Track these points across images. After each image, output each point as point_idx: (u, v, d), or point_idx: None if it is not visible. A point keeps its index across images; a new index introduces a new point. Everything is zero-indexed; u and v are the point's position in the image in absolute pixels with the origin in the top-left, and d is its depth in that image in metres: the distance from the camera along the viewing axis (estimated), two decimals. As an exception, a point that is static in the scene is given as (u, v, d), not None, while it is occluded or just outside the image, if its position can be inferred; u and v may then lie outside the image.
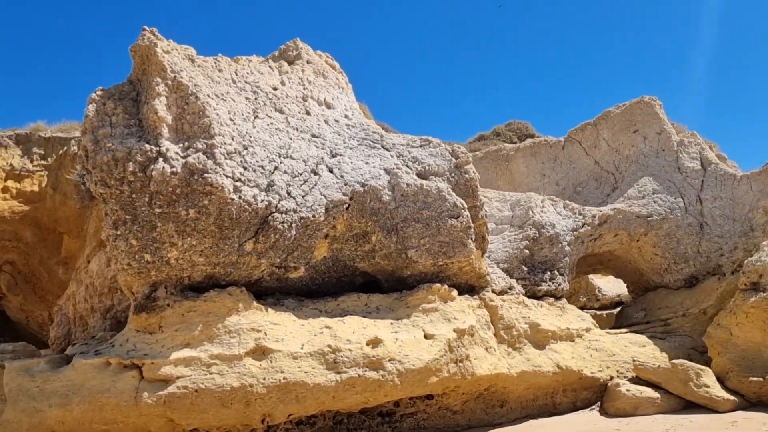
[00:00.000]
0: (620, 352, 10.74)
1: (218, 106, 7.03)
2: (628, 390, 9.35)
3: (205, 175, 6.60)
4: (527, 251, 10.98)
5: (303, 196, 7.61)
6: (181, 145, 6.75)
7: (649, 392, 9.33)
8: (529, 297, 10.92)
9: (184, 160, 6.60)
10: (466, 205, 8.53)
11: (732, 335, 9.75)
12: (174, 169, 6.49)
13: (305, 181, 7.75)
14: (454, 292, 8.55)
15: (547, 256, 11.28)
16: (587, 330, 10.90)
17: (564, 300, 11.43)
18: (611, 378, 10.17)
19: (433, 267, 8.56)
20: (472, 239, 8.58)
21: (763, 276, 9.71)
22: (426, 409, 8.71)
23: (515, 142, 19.02)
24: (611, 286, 16.48)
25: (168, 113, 6.74)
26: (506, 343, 9.29)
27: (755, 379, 8.89)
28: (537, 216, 11.29)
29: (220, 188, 6.60)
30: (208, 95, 6.91)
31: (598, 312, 15.96)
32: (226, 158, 6.77)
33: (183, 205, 6.58)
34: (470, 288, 9.47)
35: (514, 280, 10.76)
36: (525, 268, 10.95)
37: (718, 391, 8.92)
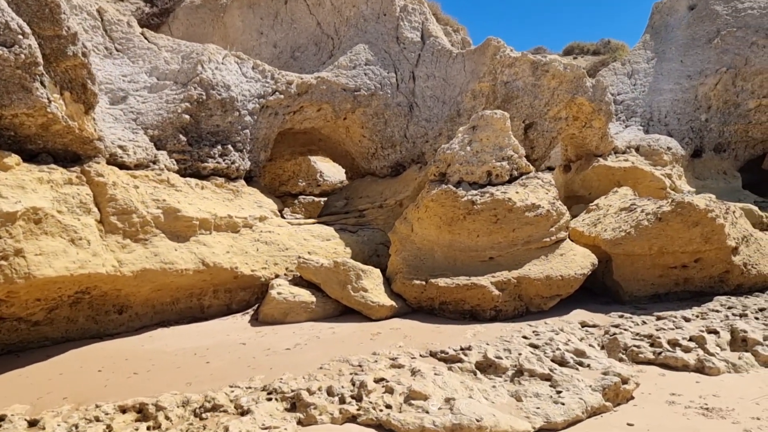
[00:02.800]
0: (296, 247, 9.07)
1: None
2: (279, 293, 7.69)
3: None
4: (188, 116, 8.51)
5: None
6: None
7: (305, 296, 7.77)
8: (189, 175, 8.62)
9: None
10: (29, 31, 5.64)
11: (413, 231, 8.50)
12: None
13: None
14: (11, 159, 5.82)
15: (218, 125, 8.95)
16: (262, 219, 9.00)
17: (241, 181, 9.33)
18: (277, 277, 8.49)
19: (-17, 119, 5.70)
20: (42, 83, 5.81)
21: (451, 166, 8.44)
22: (-23, 322, 6.17)
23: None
24: (336, 171, 14.94)
25: None
26: (121, 233, 6.94)
27: (418, 282, 7.71)
28: (207, 73, 8.78)
29: None
30: None
31: (317, 198, 14.42)
32: None
33: None
34: (75, 157, 6.84)
35: (166, 153, 8.32)
36: (183, 138, 8.52)
37: (375, 296, 7.62)
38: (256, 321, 7.83)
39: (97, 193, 6.74)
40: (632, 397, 5.17)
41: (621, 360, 6.13)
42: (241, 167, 9.24)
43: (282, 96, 9.71)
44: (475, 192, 7.95)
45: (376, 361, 5.73)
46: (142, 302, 7.51)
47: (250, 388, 5.14)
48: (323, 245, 9.40)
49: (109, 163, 7.36)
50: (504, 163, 8.23)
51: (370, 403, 4.69)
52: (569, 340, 6.23)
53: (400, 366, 5.56)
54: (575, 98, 10.43)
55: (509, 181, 8.29)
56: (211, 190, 8.74)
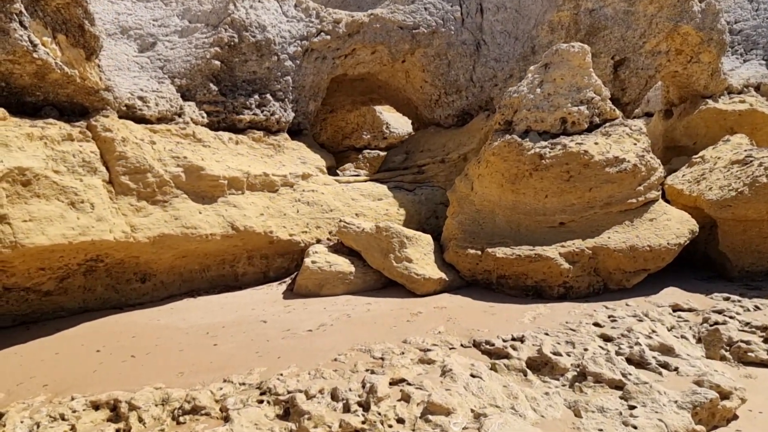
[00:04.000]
0: (342, 208, 8.12)
1: None
2: (314, 262, 6.79)
3: None
4: (218, 62, 7.63)
5: None
6: None
7: (343, 265, 6.83)
8: (222, 129, 7.81)
9: None
10: (-1, -40, 4.86)
11: (472, 191, 7.31)
12: None
13: None
14: (-9, 113, 5.16)
15: (255, 72, 8.02)
16: (305, 177, 8.09)
17: (284, 135, 8.43)
18: (318, 242, 7.61)
19: (-38, 69, 5.05)
20: (22, 24, 5.05)
21: (517, 112, 7.10)
22: (-20, 293, 5.70)
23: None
24: (404, 122, 13.76)
25: None
26: (134, 195, 6.24)
27: (473, 251, 6.55)
28: (240, 12, 7.81)
29: None
30: None
31: (383, 153, 13.37)
32: None
33: None
34: (83, 110, 6.15)
35: (194, 104, 7.52)
36: (215, 88, 7.67)
37: (420, 267, 6.53)
38: (290, 292, 7.00)
39: (104, 151, 6.04)
40: (735, 417, 3.89)
41: (723, 359, 4.76)
42: (282, 119, 8.32)
43: (329, 37, 8.62)
44: (544, 143, 6.59)
45: (402, 353, 4.72)
46: (166, 270, 6.87)
47: (243, 384, 4.29)
48: (373, 206, 8.39)
49: (125, 116, 6.65)
50: (582, 107, 6.77)
51: (379, 414, 3.70)
52: (654, 331, 4.91)
53: (430, 361, 4.53)
54: (679, 26, 8.58)
55: (589, 130, 6.84)
56: (247, 145, 7.90)
